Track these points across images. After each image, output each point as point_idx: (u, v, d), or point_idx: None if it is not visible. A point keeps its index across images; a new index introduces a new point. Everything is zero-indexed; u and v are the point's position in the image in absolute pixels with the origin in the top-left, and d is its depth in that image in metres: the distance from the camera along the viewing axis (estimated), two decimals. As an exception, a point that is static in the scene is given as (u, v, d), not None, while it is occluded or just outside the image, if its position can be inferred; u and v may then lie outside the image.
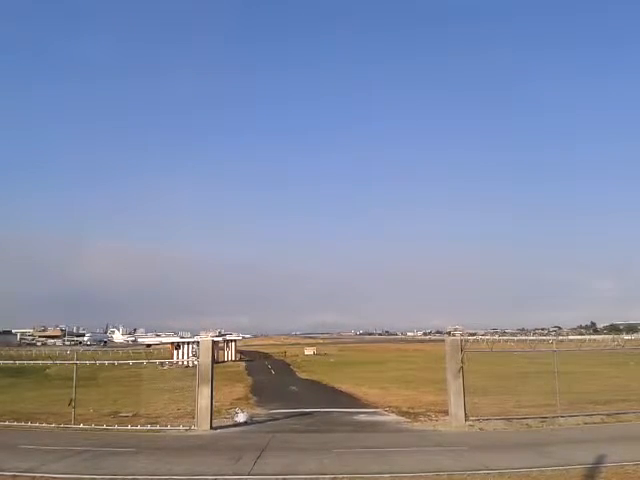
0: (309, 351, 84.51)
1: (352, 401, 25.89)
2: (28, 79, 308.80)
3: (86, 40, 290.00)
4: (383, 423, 19.33)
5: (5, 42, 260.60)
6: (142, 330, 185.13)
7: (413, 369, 46.11)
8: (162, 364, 44.59)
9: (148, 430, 17.43)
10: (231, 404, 23.86)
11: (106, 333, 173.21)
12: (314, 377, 40.85)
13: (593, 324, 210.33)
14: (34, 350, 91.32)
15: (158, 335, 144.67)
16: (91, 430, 17.44)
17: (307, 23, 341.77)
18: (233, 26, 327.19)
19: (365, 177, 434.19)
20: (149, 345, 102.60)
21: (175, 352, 57.95)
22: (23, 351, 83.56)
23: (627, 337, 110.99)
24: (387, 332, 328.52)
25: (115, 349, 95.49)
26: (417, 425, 18.55)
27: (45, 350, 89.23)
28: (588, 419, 18.55)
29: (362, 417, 20.73)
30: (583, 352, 29.92)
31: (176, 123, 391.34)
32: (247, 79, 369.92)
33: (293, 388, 33.61)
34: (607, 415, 19.03)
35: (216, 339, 56.81)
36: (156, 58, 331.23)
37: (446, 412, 19.08)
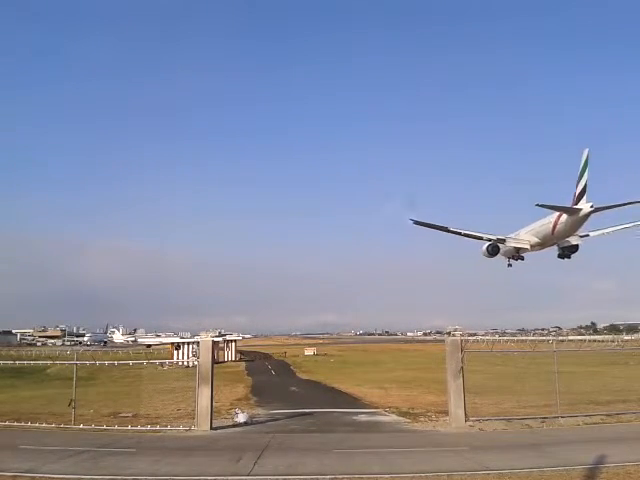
0: (309, 351, 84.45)
1: (352, 401, 25.89)
2: (28, 79, 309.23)
3: (86, 40, 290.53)
4: (383, 423, 19.34)
5: (5, 42, 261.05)
6: (142, 330, 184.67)
7: (413, 369, 46.08)
8: (162, 364, 44.63)
9: (148, 430, 17.43)
10: (231, 404, 23.86)
11: (106, 333, 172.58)
12: (314, 377, 40.82)
13: (593, 324, 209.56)
14: (34, 350, 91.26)
15: (158, 335, 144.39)
16: (91, 430, 17.45)
17: (306, 23, 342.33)
18: (233, 25, 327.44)
19: (365, 177, 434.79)
20: (149, 345, 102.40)
21: (175, 352, 57.94)
22: (23, 351, 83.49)
23: (627, 337, 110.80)
24: (387, 332, 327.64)
25: (115, 349, 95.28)
26: (417, 425, 18.57)
27: (45, 350, 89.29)
28: (588, 419, 18.56)
29: (362, 417, 20.73)
30: (583, 352, 29.89)
31: (176, 123, 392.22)
32: (247, 79, 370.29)
33: (293, 388, 33.60)
34: (607, 415, 19.06)
35: (216, 339, 56.64)
36: (156, 58, 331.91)
37: (446, 412, 19.08)
